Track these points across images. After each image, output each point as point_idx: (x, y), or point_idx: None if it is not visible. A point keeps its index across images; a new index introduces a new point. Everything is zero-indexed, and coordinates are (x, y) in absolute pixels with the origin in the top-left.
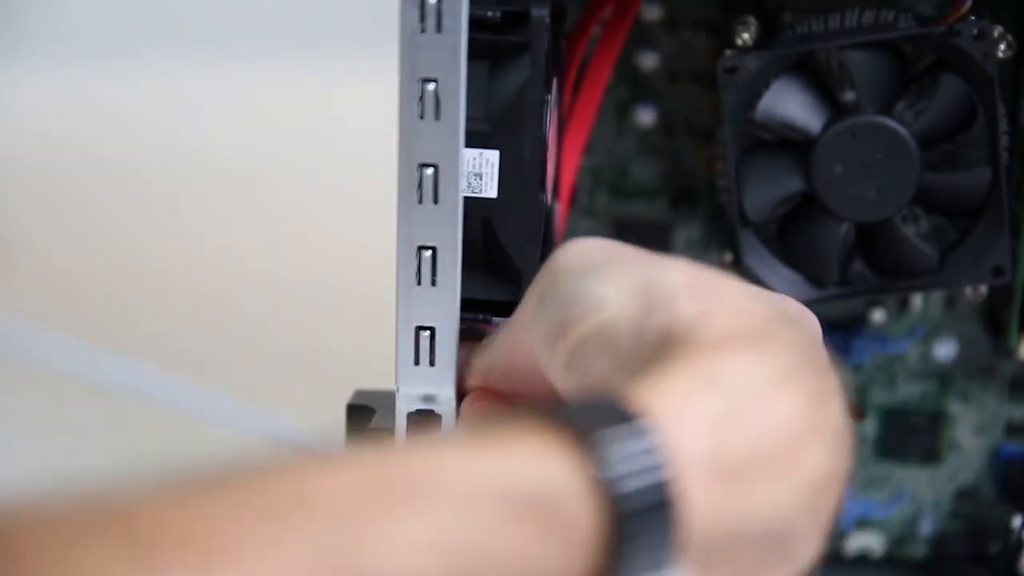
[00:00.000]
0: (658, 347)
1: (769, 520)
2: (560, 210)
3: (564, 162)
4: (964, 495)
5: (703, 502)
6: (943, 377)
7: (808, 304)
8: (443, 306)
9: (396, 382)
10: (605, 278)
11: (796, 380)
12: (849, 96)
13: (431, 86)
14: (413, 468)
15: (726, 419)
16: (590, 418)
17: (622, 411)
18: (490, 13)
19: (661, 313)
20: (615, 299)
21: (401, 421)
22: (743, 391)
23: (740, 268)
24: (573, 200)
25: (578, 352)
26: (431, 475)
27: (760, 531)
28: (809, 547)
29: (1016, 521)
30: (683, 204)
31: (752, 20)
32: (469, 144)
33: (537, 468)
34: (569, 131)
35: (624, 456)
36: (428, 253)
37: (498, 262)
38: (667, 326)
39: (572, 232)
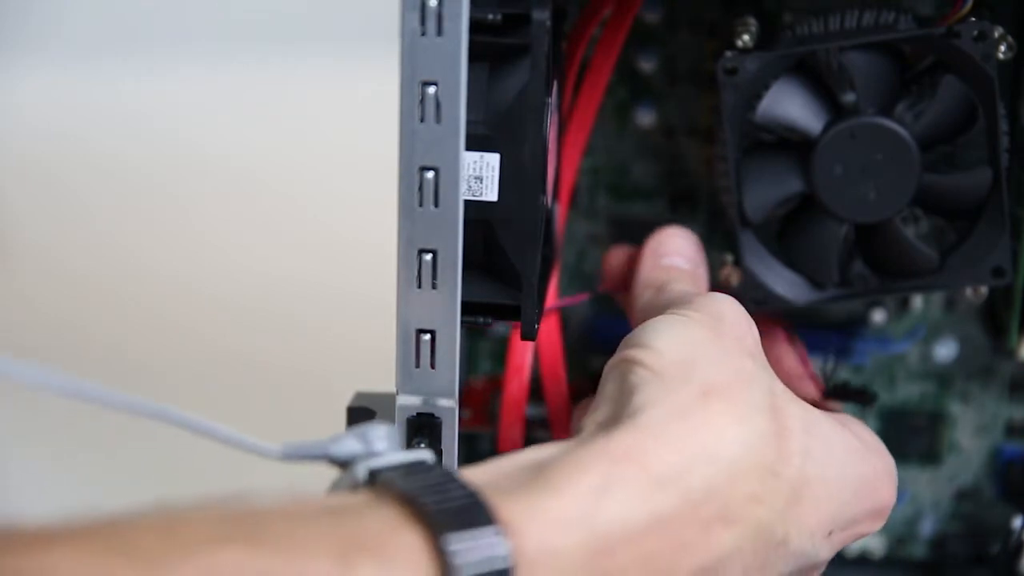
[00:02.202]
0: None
1: None
2: (560, 211)
3: (564, 163)
4: (964, 496)
5: None
6: (943, 378)
7: (809, 305)
8: (443, 309)
9: (396, 385)
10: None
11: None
12: (849, 97)
13: (431, 89)
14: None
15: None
16: (457, 529)
17: (487, 522)
18: (490, 16)
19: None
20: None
21: (401, 424)
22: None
23: (740, 269)
24: (573, 200)
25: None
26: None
27: None
28: None
29: (1016, 522)
30: (683, 205)
31: (752, 21)
32: (469, 147)
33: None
34: (569, 132)
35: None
36: (428, 256)
37: (498, 265)
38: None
39: (572, 232)
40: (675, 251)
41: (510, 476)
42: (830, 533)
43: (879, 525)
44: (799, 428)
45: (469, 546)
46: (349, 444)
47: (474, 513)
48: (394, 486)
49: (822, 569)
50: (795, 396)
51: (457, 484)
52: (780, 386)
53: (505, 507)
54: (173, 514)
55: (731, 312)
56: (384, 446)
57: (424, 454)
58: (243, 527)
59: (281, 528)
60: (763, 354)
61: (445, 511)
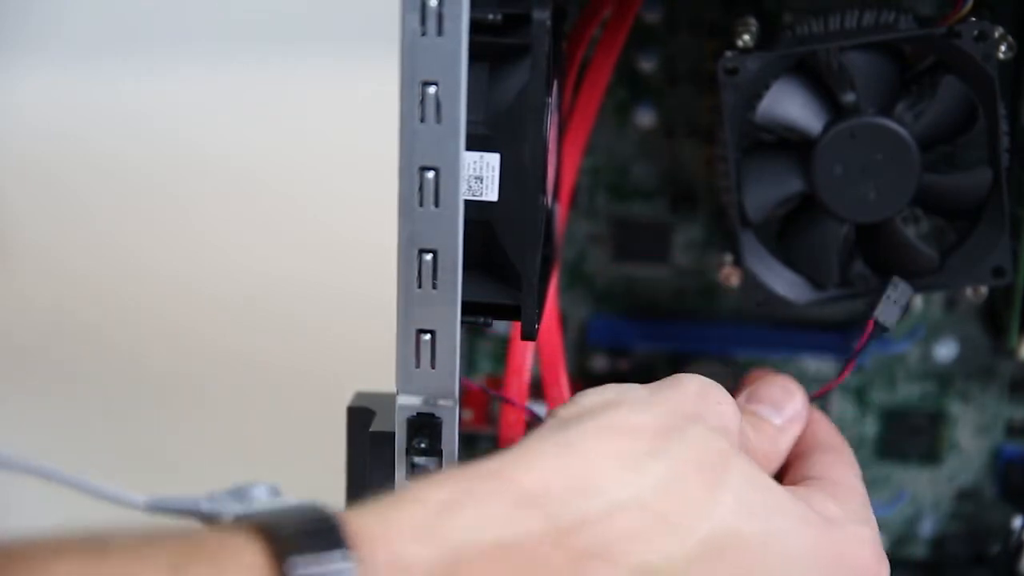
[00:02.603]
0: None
1: None
2: (560, 211)
3: (564, 163)
4: (964, 496)
5: None
6: (943, 378)
7: (809, 305)
8: (444, 309)
9: (396, 385)
10: None
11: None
12: (849, 97)
13: (432, 89)
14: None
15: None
16: (300, 542)
17: (334, 536)
18: (491, 16)
19: None
20: None
21: (401, 424)
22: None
23: (740, 269)
24: (573, 200)
25: None
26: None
27: None
28: None
29: (1016, 522)
30: (683, 205)
31: (752, 21)
32: (470, 147)
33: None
34: (569, 132)
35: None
36: (428, 256)
37: (499, 265)
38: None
39: (572, 232)
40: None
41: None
42: None
43: None
44: (736, 489)
45: (313, 569)
46: (223, 502)
47: (323, 535)
48: (251, 518)
49: None
50: (753, 465)
51: (317, 511)
52: (737, 456)
53: (358, 521)
54: (27, 539)
55: (692, 383)
56: (262, 505)
57: (310, 503)
58: (87, 544)
59: (124, 544)
60: (727, 423)
61: (293, 534)
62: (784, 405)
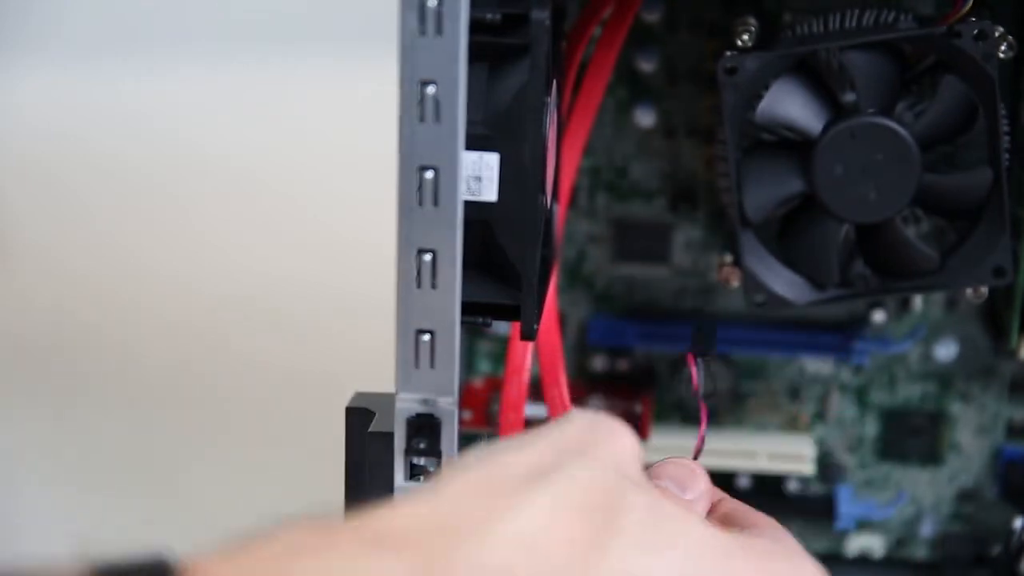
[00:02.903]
0: None
1: None
2: (559, 211)
3: (564, 163)
4: (965, 496)
5: None
6: (944, 378)
7: (809, 305)
8: (443, 309)
9: (396, 385)
10: None
11: None
12: (849, 97)
13: (431, 89)
14: None
15: None
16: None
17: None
18: (490, 15)
19: None
20: None
21: (401, 424)
22: None
23: (740, 269)
24: (573, 200)
25: None
26: None
27: None
28: None
29: (1017, 522)
30: (683, 205)
31: (752, 21)
32: (469, 147)
33: None
34: (569, 132)
35: None
36: (428, 256)
37: (498, 265)
38: None
39: (572, 232)
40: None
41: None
42: None
43: None
44: (633, 530)
45: None
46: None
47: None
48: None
49: None
50: (658, 498)
51: (162, 558)
52: (635, 491)
53: (204, 567)
54: None
55: (581, 418)
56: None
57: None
58: None
59: None
60: (622, 457)
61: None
62: (688, 483)
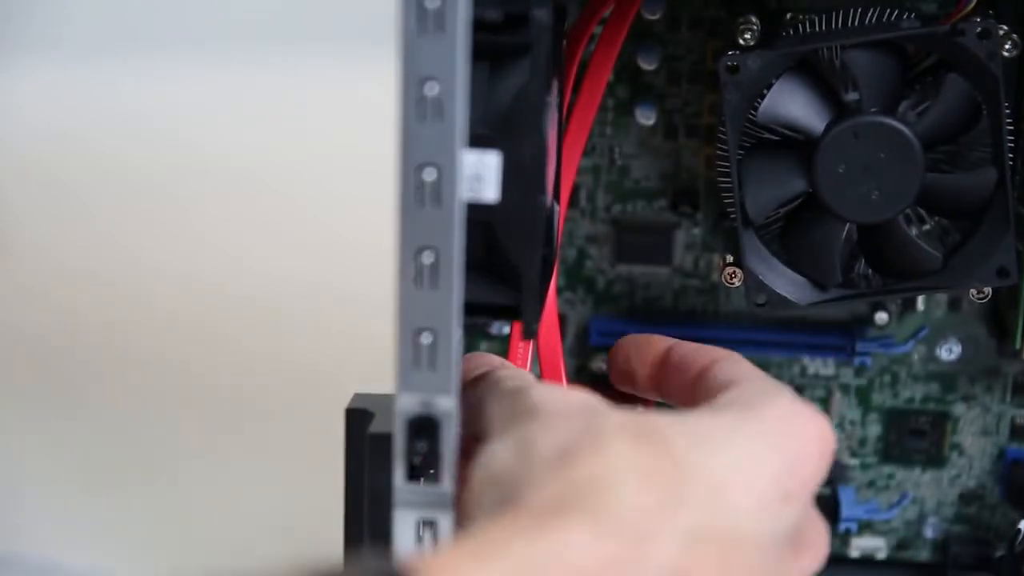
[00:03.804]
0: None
1: None
2: (560, 211)
3: (564, 162)
4: (968, 498)
5: None
6: (947, 379)
7: (811, 306)
8: (443, 309)
9: (395, 386)
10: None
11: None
12: (852, 96)
13: (431, 88)
14: None
15: None
16: None
17: None
18: (490, 14)
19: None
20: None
21: (400, 425)
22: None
23: (741, 269)
24: (573, 200)
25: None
26: None
27: None
28: None
29: (1021, 524)
30: (684, 205)
31: (754, 19)
32: (469, 146)
33: None
34: (569, 131)
35: None
36: (428, 256)
37: (498, 265)
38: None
39: (572, 232)
40: None
41: None
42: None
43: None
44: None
45: None
46: None
47: None
48: None
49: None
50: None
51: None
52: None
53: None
54: None
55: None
56: None
57: None
58: None
59: None
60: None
61: None
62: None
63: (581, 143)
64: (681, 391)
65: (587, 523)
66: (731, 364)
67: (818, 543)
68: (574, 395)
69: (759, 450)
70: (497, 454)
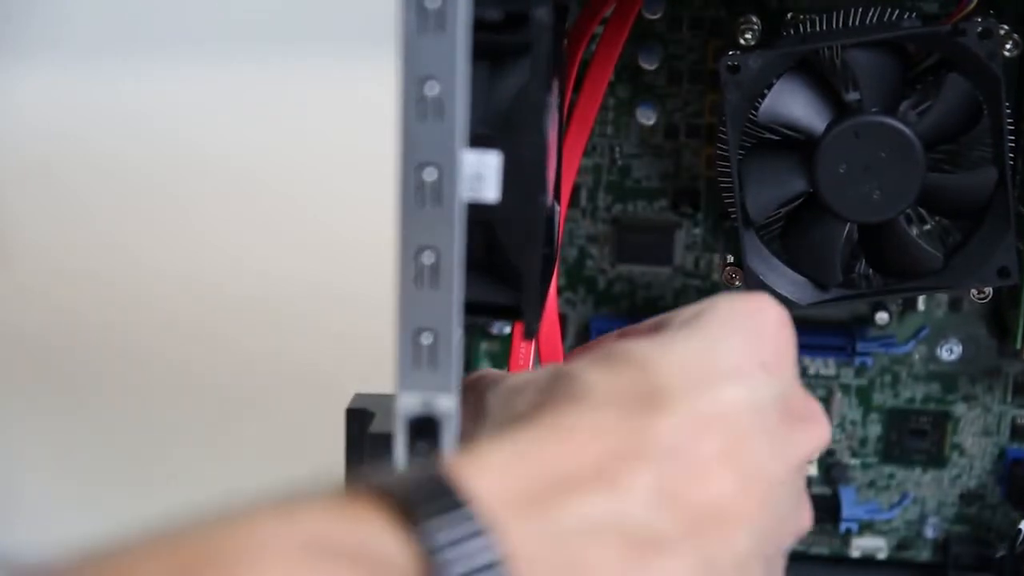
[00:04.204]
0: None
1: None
2: (560, 211)
3: (565, 162)
4: (969, 498)
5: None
6: (948, 379)
7: (812, 306)
8: (444, 309)
9: (395, 386)
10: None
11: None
12: (852, 96)
13: (431, 87)
14: (233, 539)
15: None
16: (417, 495)
17: (447, 489)
18: (490, 14)
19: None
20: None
21: (400, 425)
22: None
23: (742, 269)
24: (574, 200)
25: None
26: (250, 541)
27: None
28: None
29: (1022, 524)
30: (684, 205)
31: (754, 19)
32: (469, 146)
33: (364, 534)
34: (570, 130)
35: (450, 540)
36: (429, 256)
37: (499, 265)
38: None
39: (572, 232)
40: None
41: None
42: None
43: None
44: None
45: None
46: None
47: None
48: (385, 487)
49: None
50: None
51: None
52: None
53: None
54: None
55: None
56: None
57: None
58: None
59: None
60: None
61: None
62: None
63: (582, 143)
64: None
65: (564, 403)
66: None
67: (813, 415)
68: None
69: (721, 335)
70: (487, 415)
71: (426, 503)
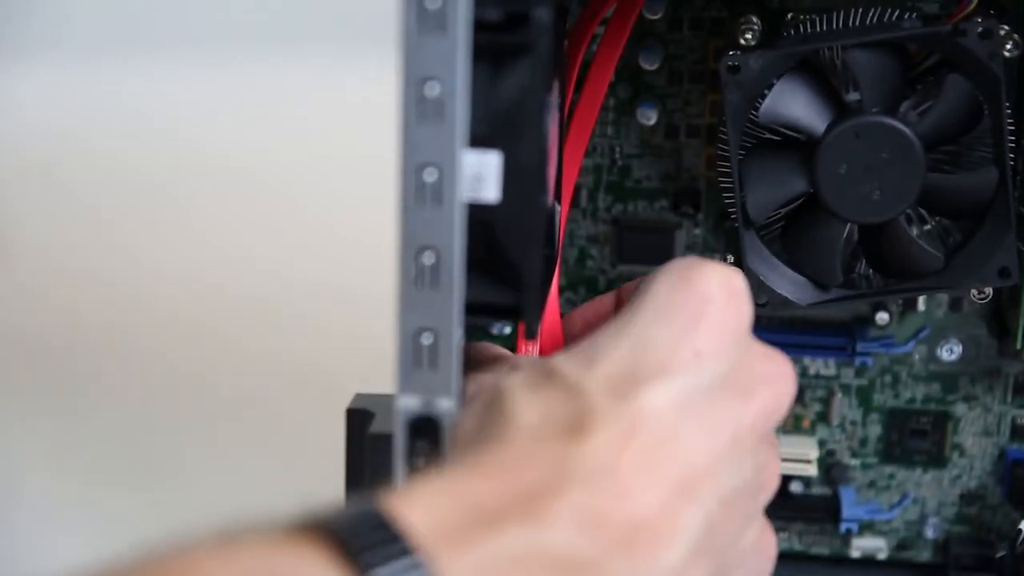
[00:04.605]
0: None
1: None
2: (562, 211)
3: (566, 162)
4: (969, 498)
5: None
6: (948, 379)
7: (812, 306)
8: (444, 309)
9: (395, 386)
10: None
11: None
12: (853, 96)
13: (432, 88)
14: (176, 573)
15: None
16: (354, 529)
17: (384, 523)
18: (490, 14)
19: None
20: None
21: (400, 426)
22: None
23: (742, 270)
24: (574, 200)
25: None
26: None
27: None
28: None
29: (1022, 525)
30: (685, 205)
31: (755, 19)
32: (470, 146)
33: (304, 568)
34: (571, 131)
35: (387, 573)
36: (429, 256)
37: (499, 265)
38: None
39: (573, 232)
40: None
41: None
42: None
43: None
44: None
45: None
46: None
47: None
48: (319, 522)
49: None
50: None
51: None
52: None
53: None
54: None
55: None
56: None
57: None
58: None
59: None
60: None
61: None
62: None
63: (583, 144)
64: None
65: (495, 447)
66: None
67: (768, 377)
68: (490, 377)
69: (647, 331)
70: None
71: (363, 537)
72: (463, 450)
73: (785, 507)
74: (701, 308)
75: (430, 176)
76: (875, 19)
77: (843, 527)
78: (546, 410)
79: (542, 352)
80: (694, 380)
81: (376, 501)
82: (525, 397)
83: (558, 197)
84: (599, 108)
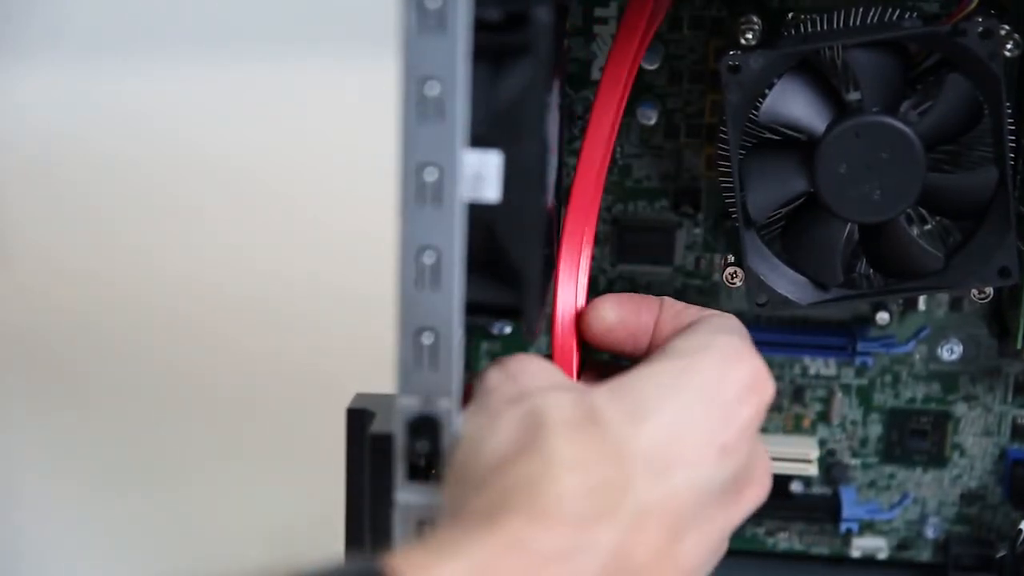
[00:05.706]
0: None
1: None
2: (564, 211)
3: (584, 171)
4: (970, 498)
5: None
6: (948, 379)
7: (812, 306)
8: (444, 309)
9: (396, 386)
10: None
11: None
12: (853, 95)
13: (432, 87)
14: None
15: None
16: None
17: None
18: (491, 14)
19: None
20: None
21: (401, 425)
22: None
23: (743, 269)
24: None
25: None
26: None
27: None
28: None
29: (1023, 524)
30: (685, 204)
31: (755, 19)
32: (470, 146)
33: None
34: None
35: None
36: (429, 256)
37: (499, 265)
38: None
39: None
40: None
41: None
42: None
43: (767, 391)
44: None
45: None
46: None
47: None
48: None
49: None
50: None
51: (367, 565)
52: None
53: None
54: None
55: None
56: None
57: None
58: None
59: None
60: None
61: None
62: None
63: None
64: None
65: (525, 518)
66: (693, 312)
67: (762, 479)
68: (524, 394)
69: (692, 409)
70: (456, 456)
71: None
72: (495, 470)
73: (785, 507)
74: (739, 403)
75: (430, 176)
76: (875, 19)
77: (843, 527)
78: (585, 471)
79: (554, 354)
80: (716, 475)
81: (389, 568)
82: (567, 437)
83: (558, 197)
84: (620, 115)
